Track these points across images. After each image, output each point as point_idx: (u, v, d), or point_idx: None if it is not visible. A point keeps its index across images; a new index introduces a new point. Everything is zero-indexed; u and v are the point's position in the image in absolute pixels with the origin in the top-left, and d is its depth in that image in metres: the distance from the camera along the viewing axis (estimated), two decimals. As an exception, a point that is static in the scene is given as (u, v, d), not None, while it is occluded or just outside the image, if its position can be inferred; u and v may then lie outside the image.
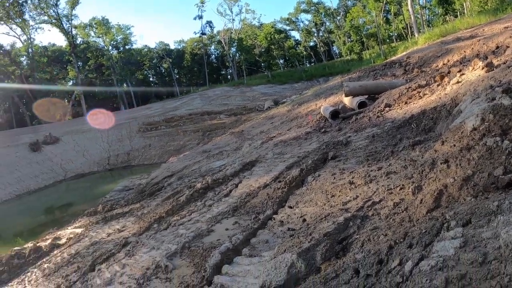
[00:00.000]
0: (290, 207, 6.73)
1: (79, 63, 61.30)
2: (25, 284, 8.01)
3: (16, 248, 10.26)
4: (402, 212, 4.54)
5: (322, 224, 5.16)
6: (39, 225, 17.34)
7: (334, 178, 7.28)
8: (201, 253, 6.16)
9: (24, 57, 58.16)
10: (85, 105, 57.76)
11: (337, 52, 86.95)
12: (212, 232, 6.94)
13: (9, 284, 8.39)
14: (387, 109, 11.55)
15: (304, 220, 5.85)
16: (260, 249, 5.50)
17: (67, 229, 12.16)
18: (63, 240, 10.43)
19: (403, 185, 5.50)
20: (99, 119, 39.39)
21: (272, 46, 72.63)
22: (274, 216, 6.58)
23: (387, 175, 6.23)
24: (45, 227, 14.28)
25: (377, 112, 11.63)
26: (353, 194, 6.03)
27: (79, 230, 10.97)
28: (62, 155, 31.78)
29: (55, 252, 9.42)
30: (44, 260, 9.00)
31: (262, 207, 7.24)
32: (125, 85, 68.61)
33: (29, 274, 8.42)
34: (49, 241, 10.41)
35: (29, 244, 10.50)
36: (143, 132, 35.87)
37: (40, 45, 62.95)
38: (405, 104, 11.22)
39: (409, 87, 12.46)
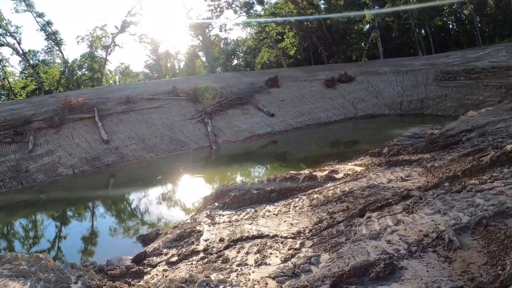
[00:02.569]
0: None
1: (376, 7, 60.01)
2: (290, 207, 7.79)
3: (292, 172, 10.33)
4: None
5: None
6: (322, 155, 17.64)
7: None
8: (502, 239, 4.29)
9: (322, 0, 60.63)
10: (382, 48, 56.97)
11: None
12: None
13: (276, 203, 8.35)
14: None
15: None
16: None
17: (347, 164, 11.69)
18: (340, 175, 9.93)
19: None
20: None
21: None
22: None
23: None
24: (327, 159, 14.35)
25: None
26: None
27: (358, 169, 10.28)
28: (354, 93, 31.77)
29: (328, 185, 8.99)
30: (316, 190, 8.70)
31: None
32: (423, 30, 64.09)
33: (297, 199, 8.23)
34: (325, 172, 10.11)
35: (306, 171, 10.43)
36: (439, 80, 32.74)
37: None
38: None
39: None
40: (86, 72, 63.02)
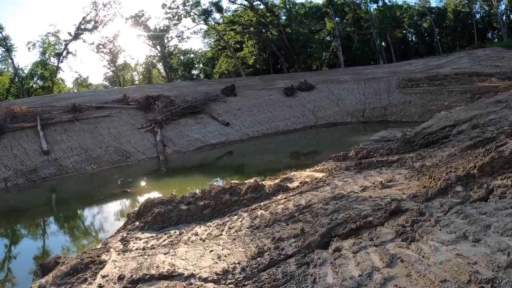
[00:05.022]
0: None
1: (336, 19, 59.76)
2: (223, 229, 5.40)
3: (233, 181, 7.77)
4: None
5: None
6: (281, 166, 15.94)
7: None
8: None
9: (282, 10, 59.47)
10: (343, 58, 56.16)
11: None
12: None
13: (208, 223, 5.93)
14: None
15: None
16: None
17: (305, 171, 9.26)
18: (295, 183, 7.48)
19: None
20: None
21: None
22: None
23: None
24: (287, 169, 12.63)
25: None
26: None
27: (319, 175, 7.89)
28: (315, 102, 30.59)
29: (278, 197, 6.52)
30: (261, 204, 6.28)
31: None
32: (383, 43, 64.39)
33: (235, 217, 5.89)
34: (276, 181, 7.56)
35: (250, 180, 7.88)
36: (402, 88, 33.03)
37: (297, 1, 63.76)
38: None
39: None
40: (38, 81, 58.87)
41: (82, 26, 55.92)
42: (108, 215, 13.60)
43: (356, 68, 45.44)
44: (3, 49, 54.16)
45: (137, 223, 7.69)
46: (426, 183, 4.80)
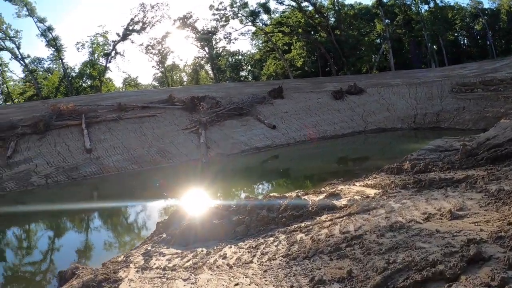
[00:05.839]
0: None
1: (387, 20, 57.65)
2: (256, 254, 4.61)
3: (273, 193, 6.94)
4: None
5: None
6: (328, 172, 15.48)
7: None
8: None
9: (331, 11, 57.88)
10: (393, 60, 54.20)
11: None
12: None
13: (240, 243, 5.20)
14: None
15: None
16: None
17: (354, 185, 8.30)
18: (343, 201, 6.53)
19: None
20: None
21: None
22: None
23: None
24: (334, 176, 11.98)
25: None
26: None
27: (371, 192, 6.94)
28: (364, 106, 29.42)
29: (323, 217, 5.62)
30: (302, 225, 5.42)
31: None
32: (435, 46, 61.50)
33: (271, 239, 5.07)
34: (321, 196, 6.65)
35: (292, 194, 7.01)
36: (456, 93, 31.17)
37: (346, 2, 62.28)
38: None
39: None
40: (87, 81, 60.77)
41: (130, 28, 56.98)
42: (141, 220, 13.35)
43: (407, 72, 43.80)
44: (53, 49, 56.02)
45: (164, 235, 7.19)
46: (510, 216, 3.77)
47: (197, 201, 12.68)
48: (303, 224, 5.71)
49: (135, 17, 56.64)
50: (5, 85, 58.51)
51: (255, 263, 4.69)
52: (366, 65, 57.40)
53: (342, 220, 5.25)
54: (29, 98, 56.02)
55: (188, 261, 5.42)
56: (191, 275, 4.85)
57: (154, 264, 5.61)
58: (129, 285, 4.93)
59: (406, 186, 6.32)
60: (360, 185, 8.00)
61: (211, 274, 4.68)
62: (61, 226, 13.35)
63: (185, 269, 5.15)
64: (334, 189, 7.70)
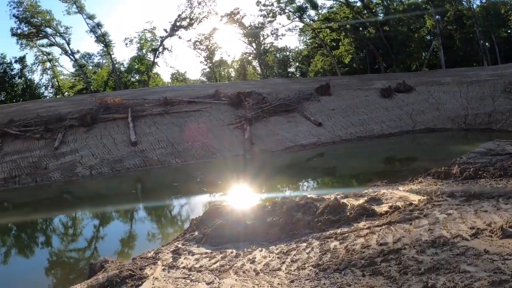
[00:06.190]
0: None
1: (437, 16, 55.08)
2: (285, 261, 4.53)
3: (310, 195, 6.64)
4: None
5: None
6: (374, 172, 15.00)
7: None
8: None
9: (380, 7, 56.14)
10: (444, 58, 51.95)
11: None
12: None
13: (272, 246, 5.04)
14: None
15: None
16: None
17: (398, 189, 7.87)
18: (383, 207, 6.11)
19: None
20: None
21: None
22: None
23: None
24: (381, 177, 11.47)
25: None
26: None
27: (414, 198, 6.47)
28: (413, 105, 28.45)
29: (360, 224, 5.30)
30: (338, 232, 5.11)
31: None
32: (487, 43, 58.08)
33: (303, 245, 4.81)
34: (360, 200, 6.28)
35: (330, 196, 6.66)
36: (509, 92, 29.60)
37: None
38: None
39: None
40: (135, 75, 62.42)
41: (178, 24, 57.81)
42: (178, 215, 13.44)
43: (458, 70, 42.14)
44: (102, 45, 57.94)
45: (196, 232, 7.10)
46: None
47: (234, 198, 12.57)
48: (339, 231, 5.37)
49: (182, 13, 57.57)
50: (55, 79, 61.39)
51: (283, 271, 4.44)
52: (415, 62, 55.60)
53: (381, 229, 4.86)
54: (78, 91, 58.55)
55: (215, 262, 5.27)
56: (215, 278, 4.70)
57: (182, 263, 5.53)
58: (153, 284, 4.88)
59: (454, 195, 5.79)
60: (403, 190, 7.52)
61: (236, 280, 4.49)
62: (102, 217, 13.62)
63: (211, 271, 5.01)
64: (375, 193, 7.29)
